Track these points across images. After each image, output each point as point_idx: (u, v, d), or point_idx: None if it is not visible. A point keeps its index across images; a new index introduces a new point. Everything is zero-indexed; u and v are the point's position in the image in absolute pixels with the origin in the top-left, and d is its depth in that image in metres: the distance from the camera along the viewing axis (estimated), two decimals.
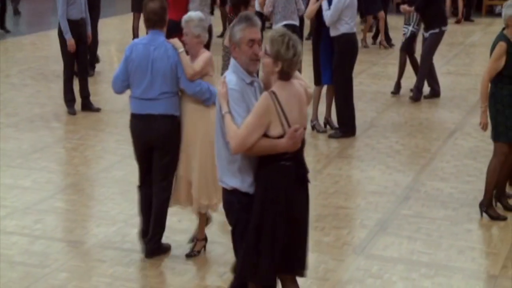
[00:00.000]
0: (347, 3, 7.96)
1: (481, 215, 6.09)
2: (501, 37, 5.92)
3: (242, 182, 3.90)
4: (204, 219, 5.41)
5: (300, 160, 3.94)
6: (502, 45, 5.84)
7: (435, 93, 9.81)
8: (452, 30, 14.91)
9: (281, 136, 3.81)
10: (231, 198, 3.96)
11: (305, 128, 3.92)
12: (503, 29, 5.98)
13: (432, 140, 8.22)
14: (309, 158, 7.76)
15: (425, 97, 9.72)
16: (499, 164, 6.01)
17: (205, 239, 5.43)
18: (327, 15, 7.97)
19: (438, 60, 12.09)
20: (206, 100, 5.12)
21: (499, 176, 6.10)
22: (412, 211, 6.29)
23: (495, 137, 5.97)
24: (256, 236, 3.87)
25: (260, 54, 3.89)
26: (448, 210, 6.29)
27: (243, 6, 6.27)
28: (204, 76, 5.14)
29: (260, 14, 9.72)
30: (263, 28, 13.33)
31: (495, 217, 6.04)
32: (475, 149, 7.81)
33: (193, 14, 5.23)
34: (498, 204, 6.26)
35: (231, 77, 3.88)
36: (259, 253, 3.88)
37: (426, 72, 9.66)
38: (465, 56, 12.76)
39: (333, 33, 8.03)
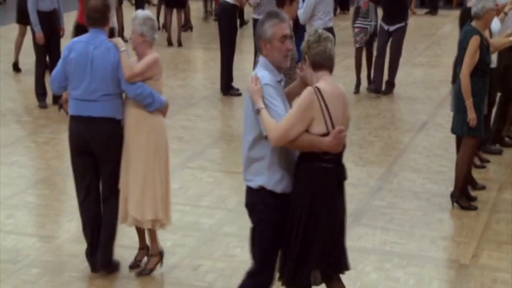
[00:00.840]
0: None
1: (452, 205, 6.15)
2: (473, 30, 5.88)
3: (269, 179, 3.82)
4: (154, 234, 5.04)
5: (341, 163, 3.87)
6: (477, 39, 5.82)
7: (377, 88, 9.50)
8: (424, 22, 15.03)
9: (324, 135, 3.72)
10: (255, 199, 3.88)
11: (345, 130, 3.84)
12: (470, 21, 5.99)
13: (405, 131, 8.28)
14: None
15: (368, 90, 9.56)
16: (468, 156, 6.07)
17: (160, 253, 5.07)
18: (301, 13, 7.91)
19: (410, 52, 12.20)
20: (148, 105, 4.79)
21: (469, 168, 6.18)
22: (385, 202, 6.34)
23: (468, 131, 5.97)
24: (299, 240, 3.80)
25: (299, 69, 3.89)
26: (421, 200, 6.35)
27: (288, 1, 5.83)
28: (149, 80, 4.83)
29: (235, 6, 9.69)
30: (242, 24, 13.35)
31: (466, 207, 6.10)
32: (447, 140, 7.87)
33: (140, 12, 5.01)
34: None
35: (264, 73, 3.80)
36: (300, 259, 3.82)
37: (398, 65, 9.67)
38: (436, 48, 12.86)
39: (308, 29, 7.99)
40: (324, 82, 3.75)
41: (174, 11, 12.65)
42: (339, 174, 3.83)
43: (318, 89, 3.71)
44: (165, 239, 5.47)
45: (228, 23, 9.63)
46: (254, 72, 3.86)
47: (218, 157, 7.56)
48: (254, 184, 3.86)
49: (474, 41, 5.80)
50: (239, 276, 5.02)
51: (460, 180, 6.10)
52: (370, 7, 9.42)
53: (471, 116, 5.86)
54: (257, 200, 3.87)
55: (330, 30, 7.90)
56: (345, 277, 5.03)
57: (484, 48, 5.86)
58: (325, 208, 3.77)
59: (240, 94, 9.69)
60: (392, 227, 5.82)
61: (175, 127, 8.38)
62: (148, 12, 5.08)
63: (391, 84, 9.68)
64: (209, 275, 5.05)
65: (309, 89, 3.72)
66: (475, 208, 6.10)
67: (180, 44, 12.60)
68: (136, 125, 4.85)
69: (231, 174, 7.06)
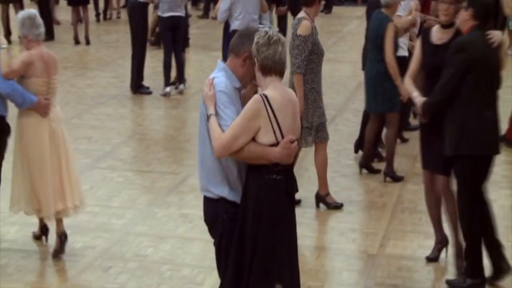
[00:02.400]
0: None
1: (384, 180, 6.56)
2: (387, 18, 6.39)
3: (230, 191, 3.65)
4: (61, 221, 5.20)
5: (291, 175, 3.65)
6: (392, 25, 6.36)
7: None
8: (331, 18, 15.32)
9: (273, 145, 3.52)
10: (217, 208, 3.68)
11: (297, 139, 3.63)
12: (380, 10, 6.47)
13: None
14: (196, 147, 7.77)
15: None
16: (395, 131, 6.63)
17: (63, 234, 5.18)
18: (219, 10, 7.78)
19: None
20: (19, 105, 5.00)
21: (372, 142, 6.70)
22: (299, 197, 6.41)
23: (389, 108, 6.53)
24: (243, 251, 3.60)
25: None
26: (330, 193, 6.47)
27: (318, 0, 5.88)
28: (27, 78, 4.98)
29: (145, 4, 9.59)
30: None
31: (399, 179, 6.58)
32: (355, 133, 8.04)
33: (20, 13, 5.13)
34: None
35: (221, 79, 3.62)
36: (249, 271, 3.59)
37: None
38: (343, 44, 13.13)
39: (230, 30, 7.82)
40: (273, 89, 3.55)
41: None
42: (289, 186, 3.62)
43: (266, 97, 3.51)
44: (75, 241, 5.37)
45: (139, 21, 9.51)
46: (211, 76, 3.67)
47: (128, 156, 7.47)
48: (214, 195, 3.68)
49: (391, 27, 6.35)
50: (152, 276, 4.99)
51: (392, 155, 6.61)
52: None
53: (403, 93, 6.24)
54: (220, 210, 3.67)
55: None
56: None
57: (395, 33, 6.43)
58: (275, 221, 3.57)
59: (150, 93, 9.60)
60: (304, 221, 5.90)
61: (84, 127, 8.22)
62: (27, 11, 5.14)
63: None
64: (121, 276, 4.98)
65: (255, 98, 3.53)
66: (401, 178, 6.63)
67: (88, 42, 12.36)
68: (17, 122, 5.07)
69: (142, 173, 6.99)
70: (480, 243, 4.67)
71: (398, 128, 6.79)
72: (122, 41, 12.13)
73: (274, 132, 3.51)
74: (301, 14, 5.98)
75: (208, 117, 3.57)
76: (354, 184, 6.60)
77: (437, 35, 4.88)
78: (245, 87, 3.73)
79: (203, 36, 13.48)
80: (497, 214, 5.01)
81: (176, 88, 9.67)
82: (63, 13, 14.25)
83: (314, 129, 6.04)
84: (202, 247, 5.40)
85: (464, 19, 4.63)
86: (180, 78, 9.68)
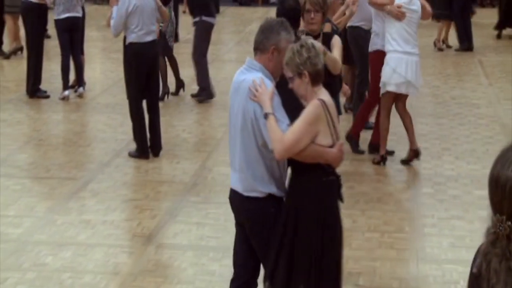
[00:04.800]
0: (132, 9, 6.96)
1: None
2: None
3: (278, 188, 3.75)
4: None
5: (338, 176, 3.81)
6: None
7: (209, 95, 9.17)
8: (233, 18, 15.38)
9: (329, 147, 3.69)
10: (265, 204, 3.75)
11: None
12: None
13: (218, 126, 8.41)
14: (96, 151, 7.59)
15: (193, 96, 9.17)
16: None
17: None
18: (111, 24, 7.10)
19: (220, 48, 12.43)
20: None
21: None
22: (200, 198, 6.40)
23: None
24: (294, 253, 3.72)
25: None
26: None
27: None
28: None
29: (40, 6, 9.28)
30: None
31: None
32: None
33: None
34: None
35: (267, 81, 3.68)
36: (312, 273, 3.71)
37: (196, 62, 9.19)
38: (245, 44, 13.19)
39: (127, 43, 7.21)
40: (324, 95, 3.72)
41: None
42: (339, 185, 3.80)
43: (324, 102, 3.66)
44: None
45: (34, 23, 9.20)
46: (247, 77, 3.67)
47: (25, 163, 7.20)
48: (262, 193, 3.74)
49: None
50: (52, 285, 4.83)
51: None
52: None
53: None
54: (268, 205, 3.76)
55: (146, 45, 7.07)
56: (160, 275, 5.03)
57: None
58: (338, 221, 3.76)
59: (48, 97, 9.31)
60: (208, 222, 5.89)
61: None
62: None
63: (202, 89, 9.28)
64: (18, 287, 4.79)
65: (315, 103, 3.64)
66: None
67: None
68: None
69: (40, 180, 6.76)
70: None
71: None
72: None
73: (332, 135, 3.69)
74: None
75: (266, 115, 3.59)
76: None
77: None
78: (276, 81, 3.79)
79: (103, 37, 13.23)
80: None
81: (75, 91, 9.43)
82: None
83: None
84: (104, 253, 5.29)
85: None
86: (79, 81, 9.44)
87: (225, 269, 5.11)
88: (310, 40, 3.82)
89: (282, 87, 3.76)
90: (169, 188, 6.66)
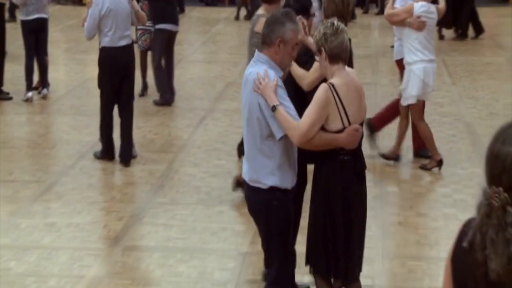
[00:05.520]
0: (105, 12, 6.80)
1: (234, 189, 6.30)
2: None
3: (282, 179, 3.77)
4: None
5: (359, 155, 3.89)
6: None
7: (165, 101, 9.02)
8: (199, 18, 15.34)
9: (340, 131, 3.72)
10: (268, 196, 3.79)
11: (362, 123, 3.87)
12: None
13: (184, 127, 8.39)
14: (61, 153, 7.51)
15: (156, 104, 9.04)
16: None
17: None
18: (85, 27, 6.97)
19: (186, 49, 12.40)
20: None
21: None
22: (167, 199, 6.37)
23: None
24: (321, 226, 3.86)
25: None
26: (201, 194, 6.46)
27: None
28: None
29: (2, 5, 9.15)
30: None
31: None
32: (224, 133, 8.11)
33: None
34: None
35: (270, 72, 3.70)
36: (324, 245, 3.87)
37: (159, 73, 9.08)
38: (211, 44, 13.18)
39: (100, 47, 7.07)
40: (338, 77, 3.74)
41: None
42: (357, 164, 3.85)
43: (333, 85, 3.70)
44: None
45: None
46: (254, 70, 3.72)
47: None
48: (266, 185, 3.78)
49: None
50: None
51: None
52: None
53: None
54: (271, 197, 3.79)
55: (119, 49, 6.91)
56: (127, 277, 5.00)
57: None
58: (342, 200, 3.82)
59: (11, 98, 9.18)
60: (175, 223, 5.86)
61: None
62: None
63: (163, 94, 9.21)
64: None
65: (324, 86, 3.71)
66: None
67: None
68: None
69: (3, 183, 6.65)
70: None
71: None
72: None
73: (342, 119, 3.71)
74: (260, 11, 5.86)
75: (274, 108, 3.62)
76: (224, 183, 6.63)
77: None
78: (285, 72, 3.84)
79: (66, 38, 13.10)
80: None
81: (39, 93, 9.31)
82: None
83: None
84: (70, 256, 5.24)
85: None
86: (43, 82, 9.32)
87: (193, 270, 5.10)
88: (333, 20, 3.90)
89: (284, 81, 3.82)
90: (136, 189, 6.62)
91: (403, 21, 6.72)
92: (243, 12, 14.99)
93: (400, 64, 7.09)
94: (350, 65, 4.34)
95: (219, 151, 7.55)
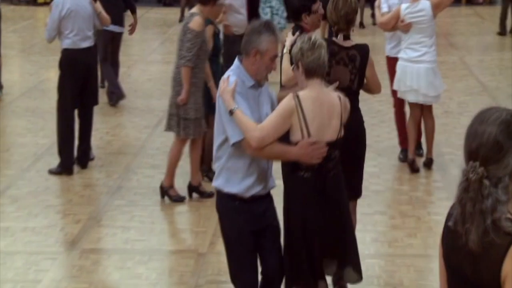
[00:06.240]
0: (66, 13, 6.66)
1: (162, 196, 6.23)
2: (207, 21, 6.27)
3: (226, 182, 3.71)
4: None
5: (323, 174, 3.71)
6: (211, 28, 6.31)
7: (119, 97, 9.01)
8: (158, 19, 15.24)
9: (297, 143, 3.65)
10: (219, 199, 3.80)
11: (334, 145, 3.72)
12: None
13: (142, 128, 8.31)
14: (16, 156, 7.38)
15: (111, 105, 8.99)
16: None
17: None
18: (46, 29, 6.81)
19: (143, 50, 12.31)
20: None
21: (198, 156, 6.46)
22: (125, 201, 6.31)
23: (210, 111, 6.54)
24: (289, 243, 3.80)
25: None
26: (159, 195, 6.41)
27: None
28: None
29: None
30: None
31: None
32: None
33: None
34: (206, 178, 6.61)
35: (233, 78, 3.65)
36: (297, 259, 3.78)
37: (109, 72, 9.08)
38: (169, 45, 13.09)
39: (62, 48, 6.90)
40: (309, 90, 3.69)
41: None
42: (318, 184, 3.69)
43: (298, 96, 3.65)
44: None
45: None
46: (225, 75, 3.71)
47: None
48: (214, 185, 3.81)
49: (210, 30, 6.32)
50: None
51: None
52: None
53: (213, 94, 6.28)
54: (219, 200, 3.80)
55: (81, 51, 6.77)
56: (85, 280, 4.94)
57: (216, 35, 6.48)
58: (299, 216, 3.72)
59: None
60: (133, 225, 5.81)
61: None
62: None
63: (112, 93, 9.16)
64: None
65: (289, 96, 3.66)
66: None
67: None
68: None
69: None
70: None
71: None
72: None
73: (302, 130, 3.63)
74: (195, 9, 6.05)
75: (231, 112, 3.57)
76: (183, 185, 6.58)
77: None
78: (261, 82, 3.74)
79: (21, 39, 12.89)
80: None
81: None
82: None
83: (192, 122, 6.12)
84: (25, 261, 5.15)
85: None
86: None
87: (152, 272, 5.06)
88: (312, 34, 3.86)
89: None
90: (93, 192, 6.54)
91: (394, 27, 6.73)
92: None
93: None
94: (362, 74, 4.51)
95: None
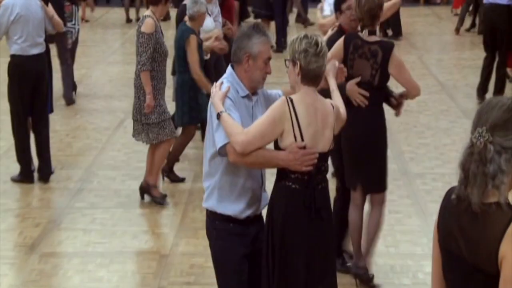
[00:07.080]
0: (15, 18, 6.39)
1: (163, 179, 6.57)
2: (189, 30, 6.35)
3: (218, 202, 3.45)
4: None
5: (312, 187, 3.37)
6: (194, 38, 6.34)
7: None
8: (118, 19, 15.10)
9: None
10: (210, 222, 3.55)
11: (325, 156, 3.43)
12: (184, 22, 6.47)
13: (103, 129, 8.23)
14: None
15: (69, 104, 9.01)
16: (184, 142, 6.70)
17: None
18: None
19: (104, 50, 12.19)
20: None
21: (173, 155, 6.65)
22: (85, 203, 6.24)
23: (189, 121, 6.58)
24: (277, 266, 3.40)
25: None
26: (121, 197, 6.36)
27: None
28: None
29: None
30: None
31: (176, 180, 6.61)
32: None
33: None
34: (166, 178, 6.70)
35: (225, 85, 3.43)
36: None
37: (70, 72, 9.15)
38: (130, 46, 12.97)
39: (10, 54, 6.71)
40: (302, 94, 3.38)
41: None
42: (307, 197, 3.35)
43: (291, 100, 3.35)
44: None
45: None
46: (219, 81, 3.49)
47: None
48: (205, 206, 3.54)
49: (194, 40, 6.34)
50: None
51: (173, 159, 6.68)
52: (73, 10, 9.18)
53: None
54: (210, 223, 3.54)
55: (30, 58, 6.49)
56: (45, 284, 4.86)
57: (198, 45, 6.44)
58: (281, 230, 3.37)
59: None
60: (94, 227, 5.75)
61: None
62: None
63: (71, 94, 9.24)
64: None
65: (282, 100, 3.37)
66: (182, 179, 6.65)
67: None
68: None
69: None
70: None
71: (188, 141, 6.76)
72: None
73: (295, 135, 3.33)
74: (147, 12, 6.07)
75: (218, 115, 3.32)
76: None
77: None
78: (256, 89, 3.51)
79: None
80: None
81: None
82: None
83: (156, 126, 6.05)
84: None
85: None
86: None
87: (113, 274, 5.01)
88: (321, 38, 3.50)
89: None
90: (53, 195, 6.45)
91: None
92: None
93: None
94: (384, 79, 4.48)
95: (139, 153, 7.43)
